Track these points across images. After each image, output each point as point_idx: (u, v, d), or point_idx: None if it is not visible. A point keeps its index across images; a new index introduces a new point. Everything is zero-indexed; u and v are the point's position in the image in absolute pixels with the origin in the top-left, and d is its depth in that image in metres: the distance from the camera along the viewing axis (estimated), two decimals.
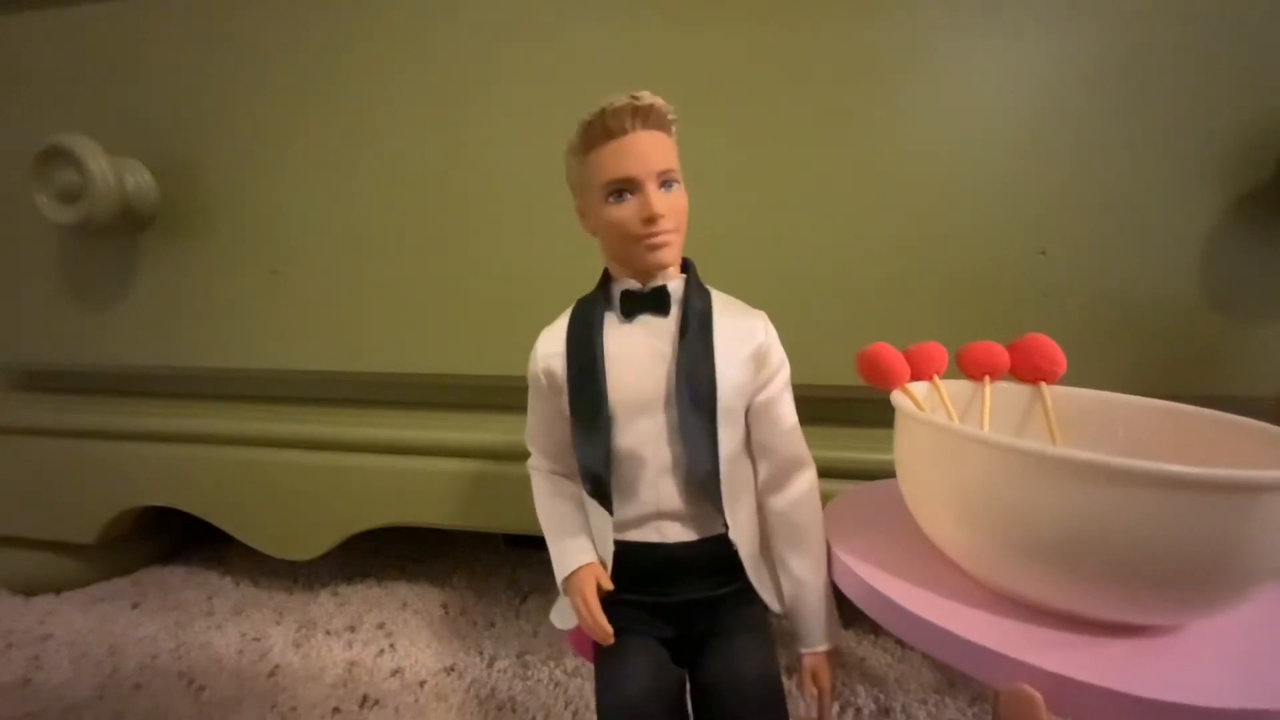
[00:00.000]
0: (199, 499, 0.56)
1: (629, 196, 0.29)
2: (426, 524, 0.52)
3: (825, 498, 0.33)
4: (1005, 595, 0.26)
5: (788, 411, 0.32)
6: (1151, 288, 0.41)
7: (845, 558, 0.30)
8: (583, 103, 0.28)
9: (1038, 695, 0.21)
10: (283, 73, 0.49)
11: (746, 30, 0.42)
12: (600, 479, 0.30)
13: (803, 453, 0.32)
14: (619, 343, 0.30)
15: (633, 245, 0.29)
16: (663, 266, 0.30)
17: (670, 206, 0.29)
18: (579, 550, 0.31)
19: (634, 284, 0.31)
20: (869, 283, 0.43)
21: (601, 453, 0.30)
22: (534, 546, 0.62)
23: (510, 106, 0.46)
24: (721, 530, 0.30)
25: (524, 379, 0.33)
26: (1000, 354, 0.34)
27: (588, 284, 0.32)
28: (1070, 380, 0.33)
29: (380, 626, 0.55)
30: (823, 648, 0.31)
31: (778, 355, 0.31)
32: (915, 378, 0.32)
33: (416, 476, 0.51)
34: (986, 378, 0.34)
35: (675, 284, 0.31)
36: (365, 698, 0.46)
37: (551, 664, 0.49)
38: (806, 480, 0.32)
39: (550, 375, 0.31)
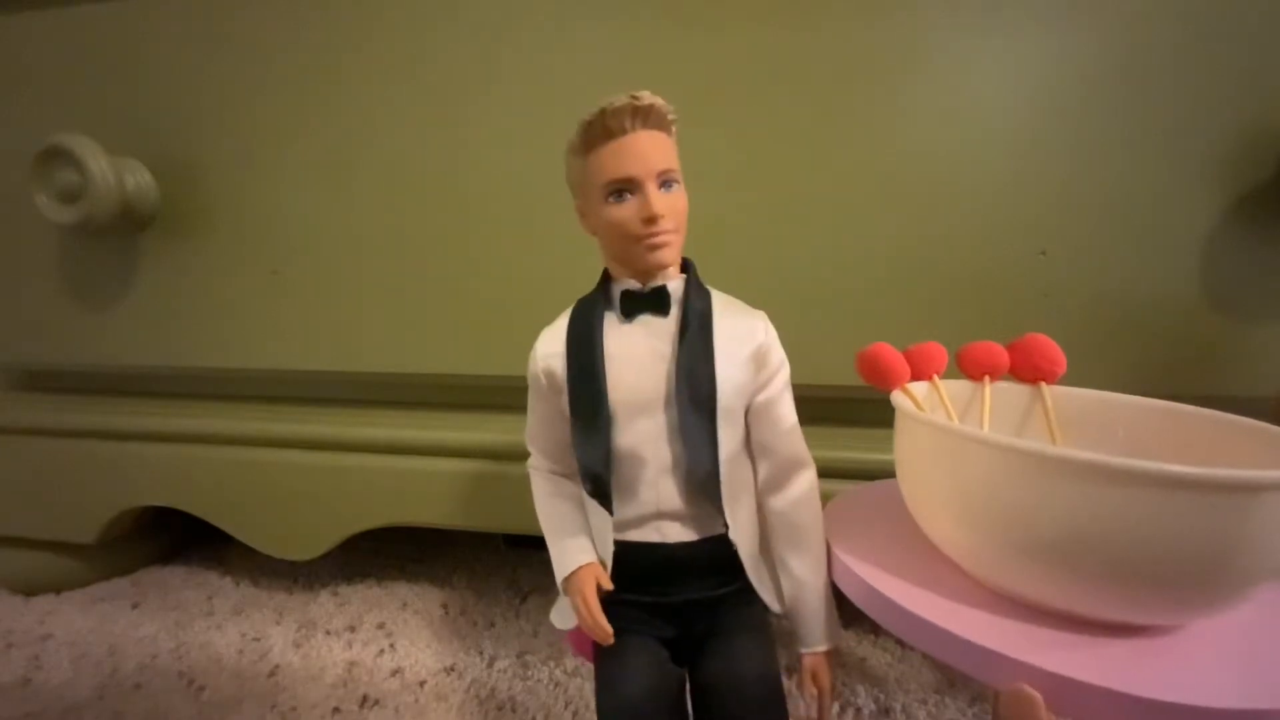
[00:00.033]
0: (199, 499, 0.56)
1: (629, 196, 0.29)
2: (426, 524, 0.52)
3: (825, 498, 0.33)
4: (1005, 595, 0.26)
5: (788, 411, 0.32)
6: (1151, 288, 0.41)
7: (845, 558, 0.30)
8: (583, 103, 0.28)
9: (1038, 695, 0.22)
10: (283, 73, 0.49)
11: (746, 30, 0.42)
12: (600, 479, 0.30)
13: (803, 453, 0.32)
14: (619, 343, 0.30)
15: (633, 245, 0.29)
16: (663, 266, 0.30)
17: (670, 206, 0.29)
18: (579, 550, 0.31)
19: (634, 284, 0.31)
20: (869, 283, 0.43)
21: (601, 453, 0.30)
22: (534, 546, 0.62)
23: (510, 106, 0.46)
24: (721, 530, 0.30)
25: (524, 379, 0.33)
26: (1000, 354, 0.33)
27: (587, 284, 0.32)
28: (1070, 380, 0.33)
29: (380, 626, 0.55)
30: (823, 648, 0.31)
31: (778, 355, 0.31)
32: (915, 378, 0.32)
33: (416, 476, 0.51)
34: (986, 378, 0.34)
35: (675, 284, 0.31)
36: (365, 698, 0.46)
37: (551, 664, 0.49)
38: (806, 480, 0.32)
39: (550, 375, 0.31)
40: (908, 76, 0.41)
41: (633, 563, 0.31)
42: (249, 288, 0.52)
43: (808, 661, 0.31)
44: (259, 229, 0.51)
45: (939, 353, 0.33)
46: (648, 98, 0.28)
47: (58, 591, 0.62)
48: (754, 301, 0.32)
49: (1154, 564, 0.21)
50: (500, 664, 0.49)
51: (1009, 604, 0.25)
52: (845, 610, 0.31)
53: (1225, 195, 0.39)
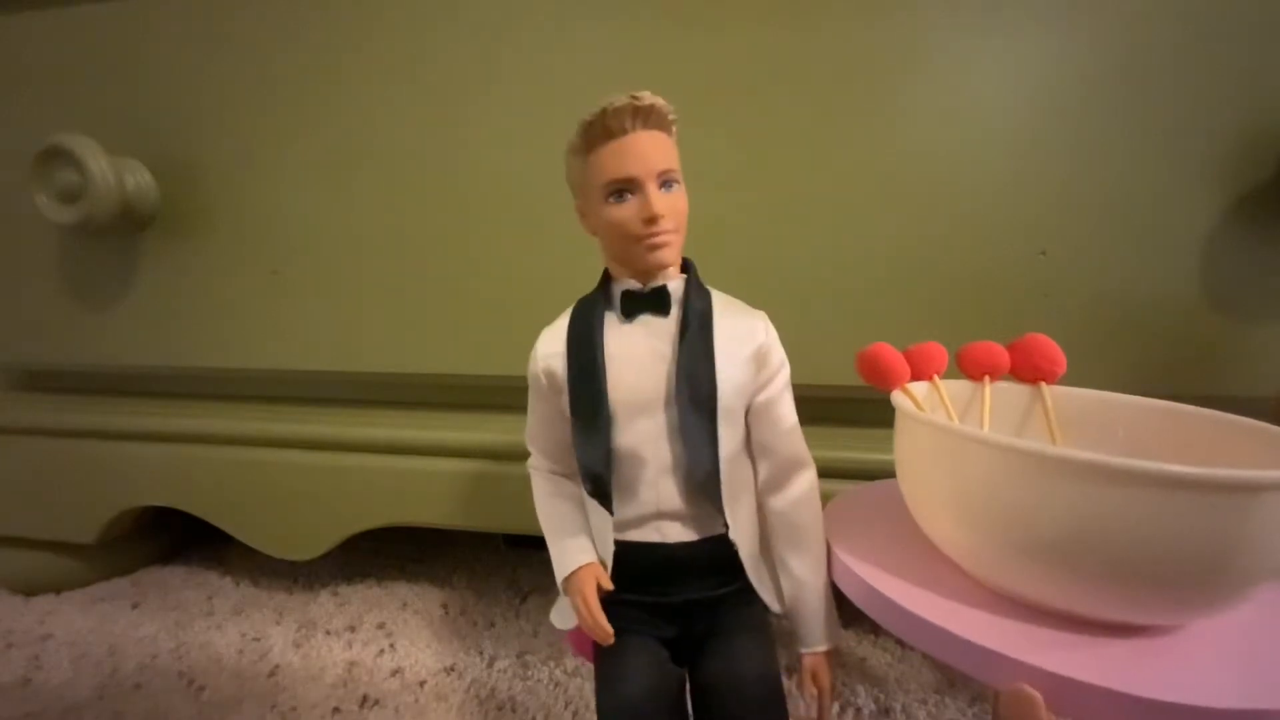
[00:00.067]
0: (199, 499, 0.56)
1: (629, 196, 0.29)
2: (426, 524, 0.52)
3: (825, 498, 0.33)
4: (1005, 595, 0.26)
5: (788, 412, 0.32)
6: (1151, 288, 0.41)
7: (845, 558, 0.30)
8: (583, 103, 0.28)
9: (1038, 695, 0.22)
10: (283, 73, 0.49)
11: (746, 30, 0.42)
12: (600, 479, 0.30)
13: (803, 453, 0.32)
14: (619, 343, 0.30)
15: (633, 245, 0.29)
16: (663, 266, 0.30)
17: (670, 207, 0.29)
18: (579, 550, 0.31)
19: (634, 284, 0.31)
20: (869, 283, 0.43)
21: (602, 452, 0.30)
22: (534, 546, 0.62)
23: (510, 106, 0.46)
24: (722, 530, 0.30)
25: (524, 379, 0.33)
26: (1000, 354, 0.34)
27: (588, 284, 0.32)
28: (1070, 380, 0.33)
29: (380, 626, 0.55)
30: (822, 648, 0.31)
31: (778, 355, 0.31)
32: (915, 378, 0.32)
33: (416, 476, 0.51)
34: (986, 378, 0.34)
35: (675, 284, 0.31)
36: (365, 698, 0.46)
37: (551, 664, 0.49)
38: (806, 480, 0.32)
39: (550, 375, 0.31)
40: (908, 76, 0.41)
41: (633, 563, 0.31)
42: (249, 288, 0.52)
43: (808, 661, 0.31)
44: (259, 229, 0.51)
45: (939, 353, 0.33)
46: (648, 98, 0.28)
47: (58, 591, 0.62)
48: (754, 301, 0.32)
49: (1154, 564, 0.21)
50: (500, 664, 0.49)
51: (1009, 604, 0.25)
52: (845, 610, 0.31)
53: (1225, 195, 0.39)
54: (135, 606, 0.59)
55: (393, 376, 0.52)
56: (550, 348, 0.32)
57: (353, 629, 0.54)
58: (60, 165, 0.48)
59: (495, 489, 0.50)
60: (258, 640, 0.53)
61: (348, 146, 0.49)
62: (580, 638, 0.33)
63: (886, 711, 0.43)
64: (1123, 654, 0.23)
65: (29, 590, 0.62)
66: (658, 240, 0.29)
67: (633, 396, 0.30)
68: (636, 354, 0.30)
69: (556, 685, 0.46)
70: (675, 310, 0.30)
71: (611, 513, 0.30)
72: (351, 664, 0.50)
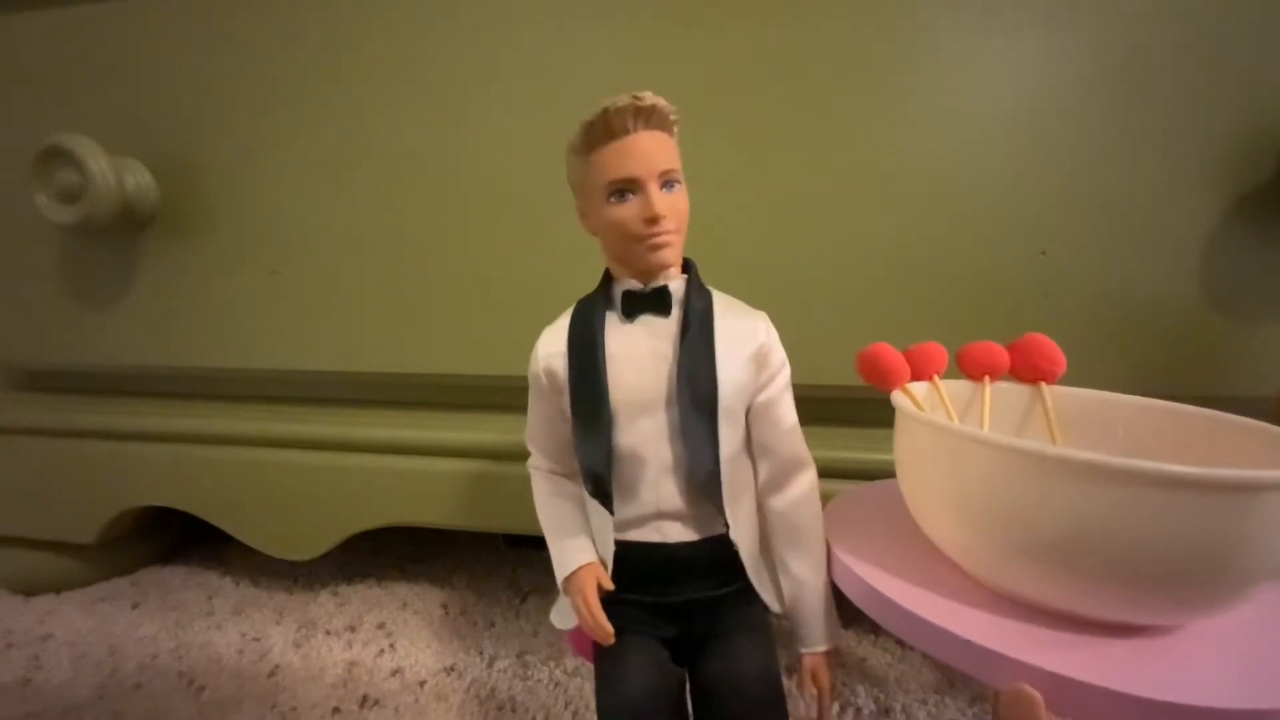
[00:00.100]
0: (199, 499, 0.56)
1: (631, 196, 0.29)
2: (426, 524, 0.52)
3: (825, 498, 0.33)
4: (1005, 595, 0.26)
5: (788, 412, 0.32)
6: (1151, 288, 0.41)
7: (845, 558, 0.30)
8: (583, 103, 0.28)
9: (1038, 695, 0.22)
10: (283, 73, 0.49)
11: (746, 30, 0.42)
12: (601, 479, 0.30)
13: (803, 453, 0.32)
14: (620, 343, 0.30)
15: (634, 245, 0.29)
16: (664, 267, 0.30)
17: (672, 207, 0.29)
18: (579, 550, 0.31)
19: (635, 284, 0.31)
20: (869, 283, 0.43)
21: (603, 452, 0.30)
22: (534, 546, 0.62)
23: (510, 106, 0.46)
24: (722, 530, 0.30)
25: (524, 379, 0.33)
26: (1000, 354, 0.34)
27: (588, 284, 0.32)
28: (1070, 380, 0.33)
29: (380, 626, 0.55)
30: (822, 648, 0.31)
31: (778, 356, 0.31)
32: (915, 378, 0.32)
33: (416, 476, 0.51)
34: (986, 378, 0.34)
35: (676, 284, 0.31)
36: (365, 698, 0.46)
37: (551, 664, 0.49)
38: (806, 480, 0.32)
39: (551, 375, 0.31)
40: (907, 76, 0.41)
41: (633, 562, 0.31)
42: (249, 288, 0.52)
43: (808, 661, 0.31)
44: (259, 229, 0.51)
45: (939, 353, 0.33)
46: (650, 98, 0.28)
47: (58, 591, 0.62)
48: (754, 301, 0.32)
49: (1154, 564, 0.21)
50: (500, 664, 0.49)
51: (1009, 604, 0.25)
52: (845, 610, 0.31)
53: (1225, 195, 0.39)
54: (135, 606, 0.59)
55: (393, 376, 0.52)
56: (551, 347, 0.32)
57: (353, 629, 0.54)
58: (60, 165, 0.48)
59: (495, 489, 0.50)
60: (258, 640, 0.53)
61: (348, 146, 0.49)
62: (580, 638, 0.33)
63: (886, 711, 0.43)
64: (1123, 654, 0.23)
65: (29, 590, 0.62)
66: (659, 240, 0.29)
67: (634, 396, 0.30)
68: (637, 354, 0.30)
69: (556, 685, 0.46)
70: (676, 310, 0.30)
71: (612, 512, 0.30)
72: (351, 664, 0.50)
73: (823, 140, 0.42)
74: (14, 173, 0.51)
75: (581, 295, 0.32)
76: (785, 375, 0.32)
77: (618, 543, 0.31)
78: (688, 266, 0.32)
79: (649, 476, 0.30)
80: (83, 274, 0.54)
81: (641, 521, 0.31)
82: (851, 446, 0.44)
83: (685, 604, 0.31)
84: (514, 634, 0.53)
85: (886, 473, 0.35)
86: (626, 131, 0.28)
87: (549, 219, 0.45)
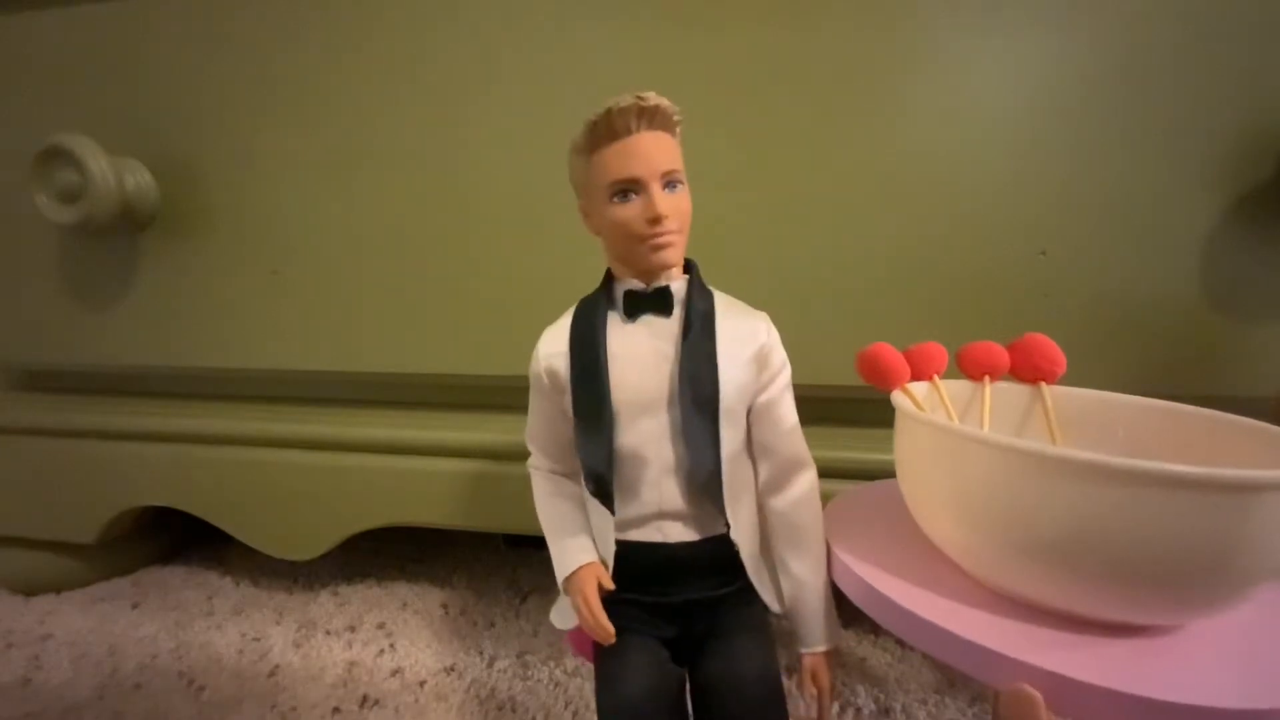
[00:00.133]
0: (199, 499, 0.56)
1: (633, 197, 0.29)
2: (426, 524, 0.52)
3: (825, 498, 0.33)
4: (1005, 595, 0.26)
5: (788, 412, 0.32)
6: (1151, 288, 0.41)
7: (845, 558, 0.30)
8: (583, 103, 0.28)
9: (1038, 695, 0.22)
10: (283, 73, 0.49)
11: (746, 30, 0.42)
12: (603, 479, 0.30)
13: (803, 453, 0.32)
14: (622, 343, 0.30)
15: (636, 245, 0.29)
16: (666, 267, 0.30)
17: (674, 207, 0.29)
18: (579, 550, 0.31)
19: (637, 284, 0.31)
20: (869, 283, 0.43)
21: (604, 452, 0.30)
22: (534, 546, 0.62)
23: (510, 106, 0.46)
24: (723, 530, 0.30)
25: (524, 379, 0.33)
26: (1000, 354, 0.34)
27: (589, 284, 0.32)
28: (1070, 380, 0.33)
29: (380, 626, 0.55)
30: (822, 648, 0.31)
31: (779, 356, 0.31)
32: (915, 378, 0.32)
33: (416, 476, 0.51)
34: (986, 378, 0.34)
35: (678, 284, 0.31)
36: (365, 698, 0.46)
37: (551, 664, 0.49)
38: (807, 481, 0.32)
39: (553, 375, 0.31)
40: (908, 76, 0.41)
41: (634, 562, 0.31)
42: (249, 288, 0.52)
43: (808, 661, 0.31)
44: (259, 229, 0.51)
45: (939, 353, 0.33)
46: (653, 98, 0.28)
47: (58, 591, 0.62)
48: (754, 301, 0.32)
49: (1154, 564, 0.21)
50: (500, 664, 0.49)
51: (1009, 604, 0.25)
52: (845, 610, 0.31)
53: (1225, 195, 0.39)
54: (135, 606, 0.59)
55: (393, 376, 0.52)
56: (552, 347, 0.32)
57: (353, 629, 0.54)
58: (60, 165, 0.48)
59: (495, 489, 0.50)
60: (258, 640, 0.53)
61: (348, 146, 0.48)
62: (580, 637, 0.33)
63: (886, 711, 0.43)
64: (1123, 654, 0.23)
65: (29, 590, 0.62)
66: (661, 240, 0.29)
67: (635, 396, 0.30)
68: (639, 354, 0.30)
69: (556, 685, 0.46)
70: (678, 311, 0.30)
71: (613, 512, 0.30)
72: (351, 664, 0.50)
73: (823, 140, 0.42)
74: (14, 173, 0.51)
75: (582, 295, 0.32)
76: (786, 376, 0.32)
77: (618, 542, 0.31)
78: (689, 267, 0.32)
79: (650, 476, 0.30)
80: (83, 274, 0.54)
81: (643, 521, 0.31)
82: (851, 446, 0.44)
83: (685, 604, 0.31)
84: (514, 634, 0.53)
85: (886, 473, 0.35)
86: (630, 131, 0.28)
87: (549, 219, 0.45)
